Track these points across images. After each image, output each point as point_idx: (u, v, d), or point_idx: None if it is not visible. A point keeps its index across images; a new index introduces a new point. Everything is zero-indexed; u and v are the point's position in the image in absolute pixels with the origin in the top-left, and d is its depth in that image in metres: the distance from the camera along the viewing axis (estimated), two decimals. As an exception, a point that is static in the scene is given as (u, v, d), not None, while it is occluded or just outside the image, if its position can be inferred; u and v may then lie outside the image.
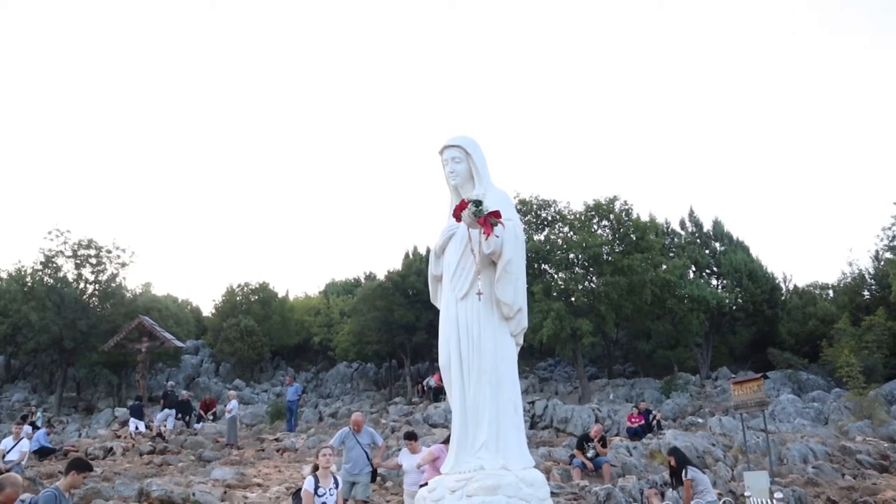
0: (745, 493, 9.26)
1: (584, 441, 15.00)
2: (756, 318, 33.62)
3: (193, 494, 13.00)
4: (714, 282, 34.05)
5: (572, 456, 15.10)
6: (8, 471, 14.17)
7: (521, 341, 6.17)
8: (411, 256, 38.47)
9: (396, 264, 38.85)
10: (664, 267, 30.06)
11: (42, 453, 19.78)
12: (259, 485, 15.19)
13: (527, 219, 29.26)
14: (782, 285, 36.48)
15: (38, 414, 27.17)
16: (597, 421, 22.30)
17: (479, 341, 5.87)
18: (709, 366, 32.63)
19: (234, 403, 22.36)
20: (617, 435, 21.20)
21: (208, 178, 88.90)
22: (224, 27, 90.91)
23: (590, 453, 14.66)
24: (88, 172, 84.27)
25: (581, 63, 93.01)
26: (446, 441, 9.47)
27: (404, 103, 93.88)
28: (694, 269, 33.75)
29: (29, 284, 32.30)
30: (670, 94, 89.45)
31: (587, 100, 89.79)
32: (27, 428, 19.63)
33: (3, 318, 31.60)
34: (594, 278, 29.31)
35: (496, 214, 5.55)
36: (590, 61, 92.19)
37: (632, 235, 29.31)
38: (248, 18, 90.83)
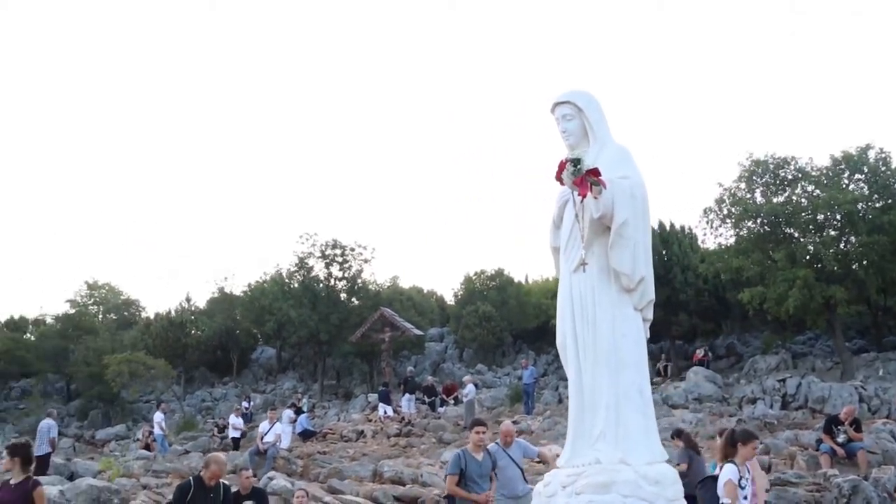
0: None
1: (832, 424, 13.30)
2: None
3: (421, 476, 13.66)
4: None
5: (819, 440, 13.54)
6: (265, 451, 15.97)
7: (649, 316, 5.44)
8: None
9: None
10: (939, 219, 25.99)
11: (305, 435, 22.03)
12: (486, 467, 15.52)
13: (763, 180, 26.83)
14: None
15: (304, 400, 30.24)
16: (861, 400, 19.90)
17: (595, 318, 5.25)
18: None
19: (470, 388, 23.03)
20: (887, 416, 18.75)
21: (448, 178, 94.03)
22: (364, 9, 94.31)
23: (840, 438, 12.94)
24: (335, 178, 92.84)
25: (814, 5, 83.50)
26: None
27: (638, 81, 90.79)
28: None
29: (287, 284, 36.05)
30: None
31: (824, 42, 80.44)
32: (288, 412, 21.95)
33: (269, 316, 35.61)
34: (850, 239, 26.20)
35: (594, 172, 4.89)
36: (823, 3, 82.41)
37: (893, 187, 25.73)
38: None
